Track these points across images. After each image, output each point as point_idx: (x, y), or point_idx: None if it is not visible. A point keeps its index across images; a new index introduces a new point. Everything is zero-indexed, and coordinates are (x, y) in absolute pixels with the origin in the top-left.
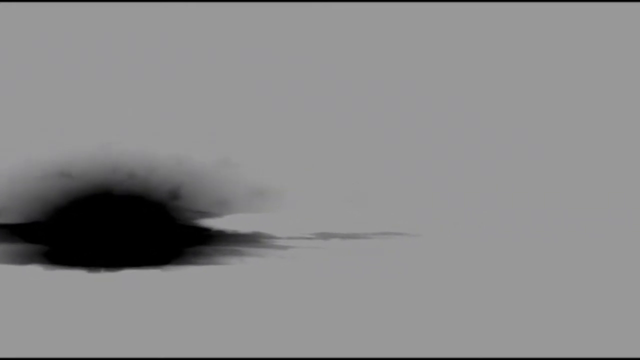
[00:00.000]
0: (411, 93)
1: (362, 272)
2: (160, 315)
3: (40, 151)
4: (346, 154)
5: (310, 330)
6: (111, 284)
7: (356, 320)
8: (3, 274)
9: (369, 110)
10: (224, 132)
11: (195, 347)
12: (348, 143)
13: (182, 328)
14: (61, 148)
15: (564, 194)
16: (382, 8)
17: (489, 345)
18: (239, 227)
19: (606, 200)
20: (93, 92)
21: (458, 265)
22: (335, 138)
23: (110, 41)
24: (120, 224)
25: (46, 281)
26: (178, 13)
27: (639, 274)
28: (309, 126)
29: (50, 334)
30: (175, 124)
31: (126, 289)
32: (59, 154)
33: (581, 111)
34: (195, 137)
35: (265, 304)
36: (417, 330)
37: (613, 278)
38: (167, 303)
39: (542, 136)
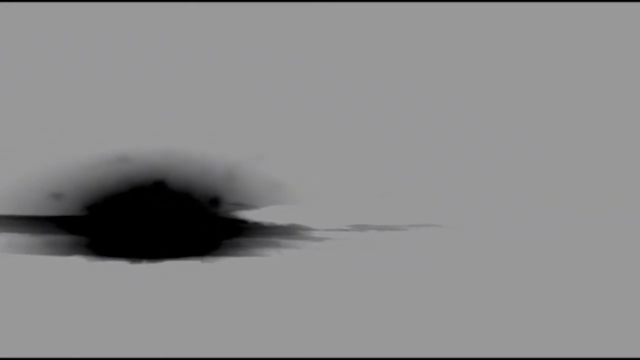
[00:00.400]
0: (440, 90)
1: (397, 264)
2: (200, 306)
3: (94, 141)
4: (380, 148)
5: (347, 322)
6: (153, 275)
7: (392, 313)
8: (45, 265)
9: (400, 105)
10: (256, 127)
11: (234, 337)
12: (381, 137)
13: (222, 319)
14: (114, 139)
15: (564, 193)
16: (383, 8)
17: (501, 345)
18: (276, 219)
19: (606, 199)
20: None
21: (490, 258)
22: (370, 133)
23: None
24: (161, 216)
25: (87, 272)
26: (202, 13)
27: (638, 273)
28: (342, 121)
29: (90, 325)
30: (202, 121)
31: (167, 280)
32: (112, 144)
33: (581, 111)
34: (227, 132)
35: (302, 295)
36: (451, 324)
37: (612, 278)
38: (206, 294)
39: (546, 135)
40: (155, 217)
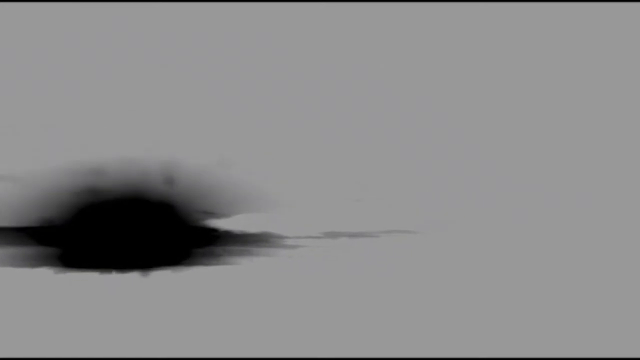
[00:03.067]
0: (412, 93)
1: (370, 270)
2: (170, 315)
3: (63, 151)
4: (351, 153)
5: (319, 329)
6: (122, 286)
7: (364, 319)
8: (13, 276)
9: (370, 109)
10: (226, 132)
11: (203, 347)
12: (352, 142)
13: (191, 328)
14: (86, 148)
15: (561, 195)
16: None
17: (492, 345)
18: (247, 227)
19: (605, 200)
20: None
21: (464, 263)
22: (340, 137)
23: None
24: (127, 226)
25: (56, 283)
26: (170, 13)
27: (636, 273)
28: (314, 126)
29: (57, 335)
30: (170, 126)
31: (136, 290)
32: (83, 154)
33: (576, 113)
34: (196, 138)
35: (275, 303)
36: (421, 329)
37: (611, 278)
38: (177, 303)
39: (540, 136)
40: (125, 227)
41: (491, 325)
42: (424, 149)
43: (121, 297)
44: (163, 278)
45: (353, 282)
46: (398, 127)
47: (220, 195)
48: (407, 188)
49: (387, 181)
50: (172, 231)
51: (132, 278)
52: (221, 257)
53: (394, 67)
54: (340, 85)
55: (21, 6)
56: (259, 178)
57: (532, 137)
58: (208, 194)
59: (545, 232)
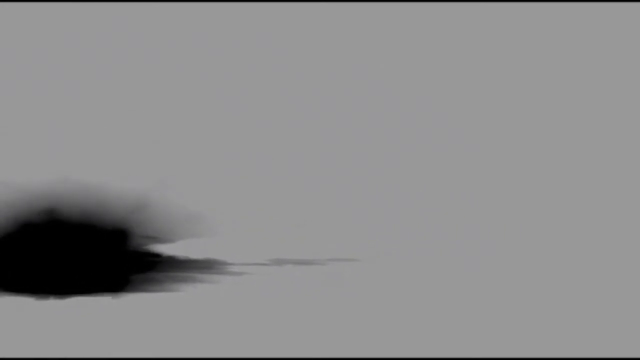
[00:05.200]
0: (364, 114)
1: (319, 298)
2: (112, 343)
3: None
4: (295, 178)
5: (269, 357)
6: (60, 312)
7: (314, 348)
8: None
9: (319, 131)
10: (164, 156)
11: None
12: (297, 167)
13: (135, 357)
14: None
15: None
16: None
17: None
18: (191, 252)
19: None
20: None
21: (415, 289)
22: (285, 162)
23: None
24: (68, 249)
25: None
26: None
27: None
28: (256, 150)
29: None
30: (107, 147)
31: (75, 316)
32: (14, 176)
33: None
34: (134, 164)
35: (218, 332)
36: (372, 356)
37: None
38: (117, 331)
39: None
40: (62, 250)
41: (448, 350)
42: (372, 174)
43: (59, 323)
44: (103, 304)
45: (302, 310)
46: (345, 151)
47: (162, 219)
48: (352, 214)
49: (331, 207)
50: (113, 256)
51: (70, 304)
52: (163, 284)
53: (341, 85)
54: (286, 109)
55: None
56: (203, 201)
57: (491, 161)
58: (150, 218)
59: (500, 257)
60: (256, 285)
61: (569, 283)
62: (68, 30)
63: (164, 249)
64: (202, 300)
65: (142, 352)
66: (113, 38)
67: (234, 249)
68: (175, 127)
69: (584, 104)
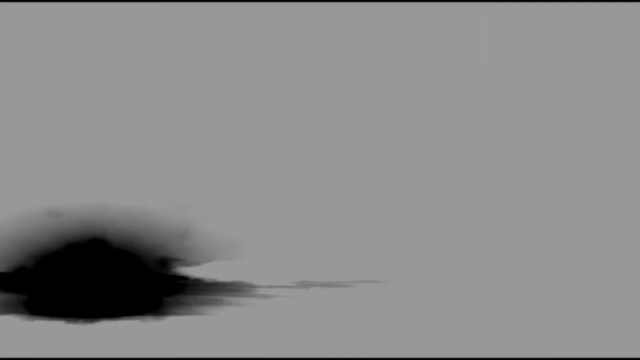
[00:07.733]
0: (393, 140)
1: (345, 320)
2: None
3: (26, 192)
4: (323, 202)
5: None
6: (89, 335)
7: None
8: None
9: (341, 156)
10: (193, 180)
11: None
12: (323, 191)
13: None
14: (49, 188)
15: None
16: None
17: None
18: (218, 275)
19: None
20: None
21: (441, 313)
22: (312, 185)
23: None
24: (98, 274)
25: (22, 332)
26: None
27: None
28: (284, 174)
29: None
30: (139, 173)
31: (105, 339)
32: (48, 194)
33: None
34: (160, 185)
35: (248, 354)
36: None
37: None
38: (147, 355)
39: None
40: (92, 275)
41: None
42: (397, 198)
43: (89, 347)
44: (131, 327)
45: (330, 332)
46: (372, 178)
47: (191, 243)
48: (377, 237)
49: (356, 230)
50: (140, 279)
51: (100, 327)
52: (191, 307)
53: (367, 112)
54: (315, 134)
55: None
56: (231, 226)
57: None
58: (176, 241)
59: (525, 280)
60: (283, 308)
61: (570, 286)
62: (112, 60)
63: (192, 271)
64: (230, 323)
65: None
66: (150, 64)
67: (261, 272)
68: (204, 152)
69: (584, 104)
